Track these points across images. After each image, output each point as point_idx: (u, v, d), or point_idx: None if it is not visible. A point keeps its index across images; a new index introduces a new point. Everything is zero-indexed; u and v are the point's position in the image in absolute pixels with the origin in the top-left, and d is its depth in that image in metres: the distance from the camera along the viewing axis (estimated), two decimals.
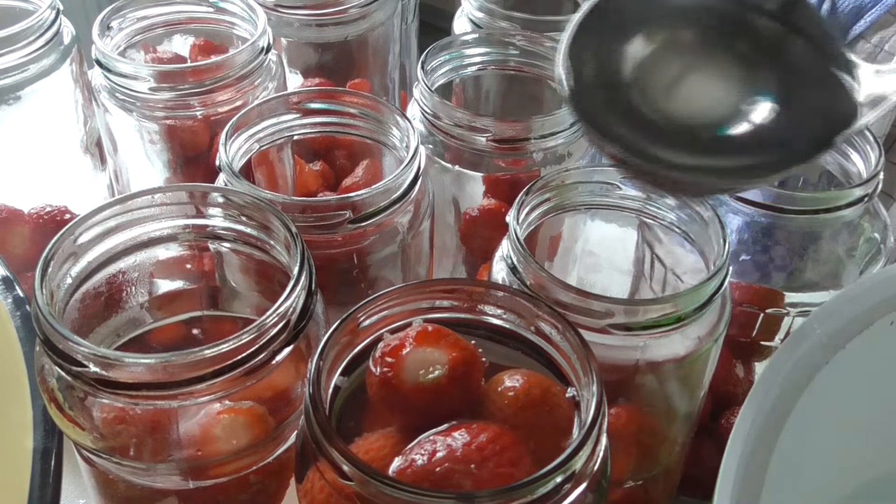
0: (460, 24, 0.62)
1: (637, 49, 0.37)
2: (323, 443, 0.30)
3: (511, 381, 0.34)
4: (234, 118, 0.47)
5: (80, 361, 0.33)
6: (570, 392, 0.34)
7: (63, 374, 0.35)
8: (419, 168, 0.46)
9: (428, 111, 0.51)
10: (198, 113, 0.53)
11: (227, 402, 0.36)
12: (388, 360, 0.33)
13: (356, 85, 0.64)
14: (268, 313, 0.35)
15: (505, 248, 0.41)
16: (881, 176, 0.46)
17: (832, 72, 0.35)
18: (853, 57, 0.36)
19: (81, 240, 0.39)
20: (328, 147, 0.60)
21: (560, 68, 0.36)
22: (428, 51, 0.53)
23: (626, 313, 0.38)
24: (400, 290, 0.36)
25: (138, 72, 0.52)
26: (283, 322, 0.36)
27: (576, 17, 0.37)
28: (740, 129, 0.36)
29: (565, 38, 0.36)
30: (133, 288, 0.43)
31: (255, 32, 0.54)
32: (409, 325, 0.35)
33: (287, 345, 0.36)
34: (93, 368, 0.33)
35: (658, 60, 0.37)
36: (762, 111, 0.36)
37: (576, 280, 0.53)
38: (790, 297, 0.47)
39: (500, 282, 0.41)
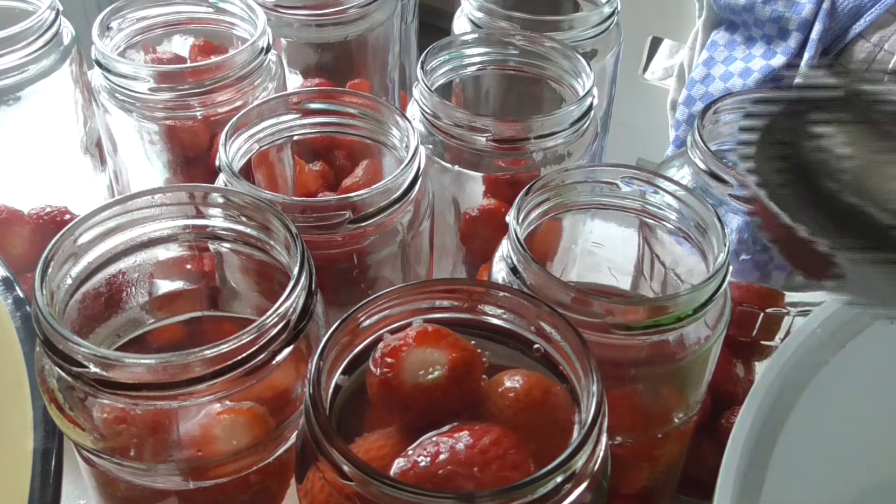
0: (460, 24, 0.62)
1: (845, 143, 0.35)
2: (323, 443, 0.30)
3: (511, 381, 0.34)
4: (234, 118, 0.47)
5: (81, 362, 0.33)
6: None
7: (63, 374, 0.35)
8: (419, 168, 0.46)
9: (428, 111, 0.51)
10: (198, 113, 0.53)
11: (227, 402, 0.36)
12: (388, 360, 0.33)
13: (356, 85, 0.64)
14: (268, 313, 0.35)
15: (505, 248, 0.41)
16: None
17: None
18: None
19: (81, 240, 0.39)
20: (328, 147, 0.60)
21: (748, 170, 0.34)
22: (428, 51, 0.53)
23: (626, 313, 0.38)
24: (400, 290, 0.36)
25: (138, 72, 0.52)
26: (283, 322, 0.36)
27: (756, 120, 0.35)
28: None
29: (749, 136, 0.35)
30: (133, 288, 0.43)
31: (255, 33, 0.54)
32: (409, 325, 0.35)
33: (287, 345, 0.36)
34: (93, 369, 0.33)
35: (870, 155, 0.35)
36: None
37: (576, 280, 0.53)
38: (790, 296, 0.47)
39: (500, 282, 0.41)
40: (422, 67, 0.52)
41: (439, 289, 0.37)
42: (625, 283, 0.52)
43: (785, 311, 0.47)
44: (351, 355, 0.35)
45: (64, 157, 0.61)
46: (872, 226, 0.34)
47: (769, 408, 0.36)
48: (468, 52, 0.56)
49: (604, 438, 0.32)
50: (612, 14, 0.61)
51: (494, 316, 0.37)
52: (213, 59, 0.54)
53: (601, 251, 0.51)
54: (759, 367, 0.52)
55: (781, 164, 0.35)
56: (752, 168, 0.34)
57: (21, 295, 0.44)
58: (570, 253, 0.53)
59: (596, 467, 0.32)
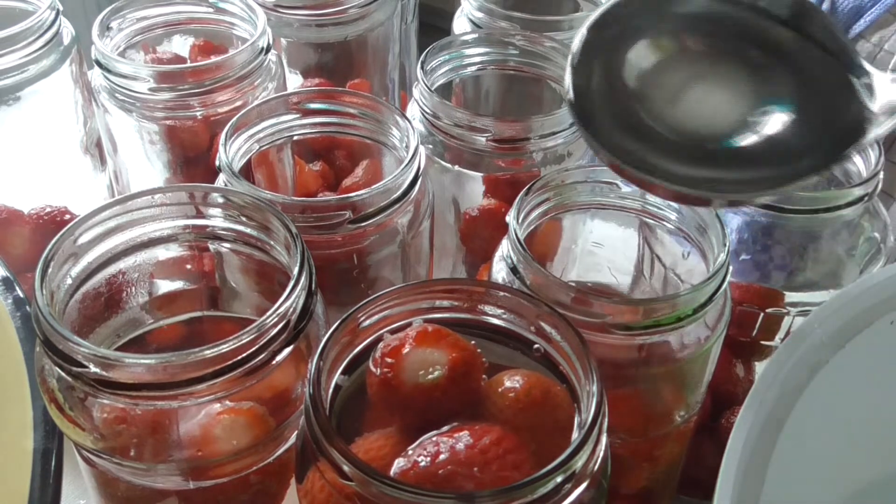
0: (460, 24, 0.62)
1: (643, 58, 0.36)
2: (323, 443, 0.30)
3: (511, 381, 0.34)
4: (234, 118, 0.47)
5: (81, 362, 0.33)
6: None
7: (63, 374, 0.35)
8: (419, 168, 0.46)
9: (428, 111, 0.51)
10: (198, 113, 0.53)
11: (227, 402, 0.36)
12: (388, 360, 0.33)
13: (356, 85, 0.64)
14: (268, 313, 0.35)
15: (505, 248, 0.41)
16: (881, 175, 0.46)
17: (847, 81, 0.35)
18: (868, 66, 0.35)
19: (81, 240, 0.39)
20: (328, 147, 0.60)
21: (567, 77, 0.35)
22: (428, 51, 0.53)
23: (626, 313, 0.38)
24: (400, 290, 0.36)
25: (138, 72, 0.52)
26: (283, 322, 0.36)
27: (582, 28, 0.36)
28: (749, 139, 0.35)
29: (574, 47, 0.36)
30: (133, 288, 0.43)
31: (255, 33, 0.54)
32: (409, 325, 0.35)
33: (287, 345, 0.36)
34: (93, 369, 0.33)
35: (665, 69, 0.36)
36: (773, 121, 0.35)
37: (576, 280, 0.53)
38: (790, 296, 0.47)
39: (500, 282, 0.41)
40: (422, 67, 0.52)
41: (439, 289, 0.37)
42: (625, 283, 0.52)
43: (785, 311, 0.47)
44: (351, 355, 0.35)
45: (64, 157, 0.61)
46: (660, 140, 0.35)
47: (769, 408, 0.36)
48: (468, 52, 0.56)
49: (604, 438, 0.32)
50: None
51: (494, 316, 0.37)
52: (213, 59, 0.54)
53: (601, 251, 0.51)
54: (759, 367, 0.52)
55: (596, 78, 0.36)
56: (571, 82, 0.35)
57: (21, 295, 0.44)
58: (570, 253, 0.53)
59: (596, 467, 0.32)
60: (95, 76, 0.55)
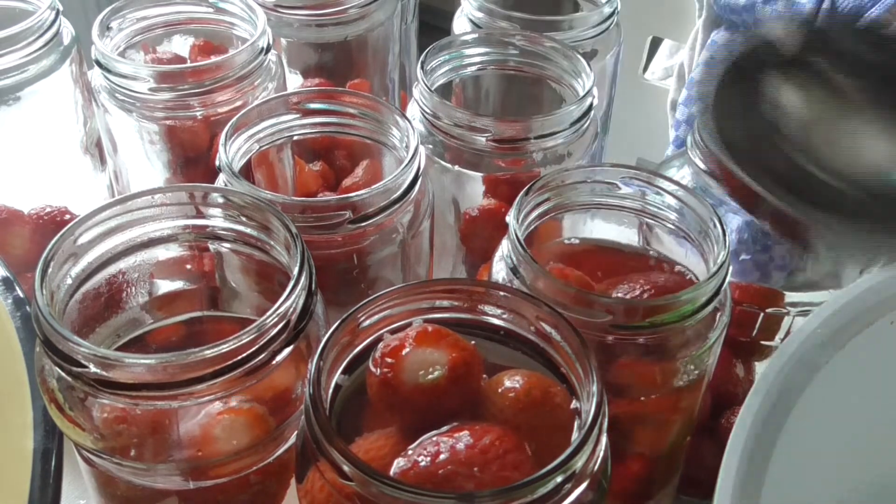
0: (460, 24, 0.62)
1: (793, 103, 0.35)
2: (323, 443, 0.30)
3: (511, 381, 0.34)
4: (234, 118, 0.47)
5: (81, 362, 0.33)
6: (574, 405, 0.34)
7: (63, 374, 0.35)
8: (419, 168, 0.46)
9: (428, 111, 0.51)
10: (198, 113, 0.53)
11: (227, 402, 0.36)
12: (388, 360, 0.33)
13: (356, 85, 0.64)
14: (268, 313, 0.35)
15: (505, 248, 0.41)
16: None
17: None
18: None
19: (81, 240, 0.39)
20: (328, 147, 0.60)
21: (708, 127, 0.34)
22: (428, 51, 0.53)
23: (626, 313, 0.38)
24: (400, 290, 0.36)
25: (138, 72, 0.52)
26: (283, 322, 0.36)
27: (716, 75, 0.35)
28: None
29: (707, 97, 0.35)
30: (133, 288, 0.43)
31: (255, 33, 0.54)
32: (409, 325, 0.35)
33: (287, 345, 0.36)
34: (93, 369, 0.33)
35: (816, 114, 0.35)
36: None
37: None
38: (790, 296, 0.47)
39: (500, 282, 0.41)
40: (422, 67, 0.52)
41: (439, 289, 0.37)
42: None
43: (785, 311, 0.47)
44: (351, 355, 0.35)
45: (64, 157, 0.61)
46: (818, 186, 0.34)
47: (769, 408, 0.36)
48: (468, 52, 0.56)
49: (604, 438, 0.32)
50: (612, 14, 0.61)
51: (494, 316, 0.37)
52: (213, 59, 0.54)
53: None
54: (759, 367, 0.52)
55: (739, 121, 0.34)
56: (711, 125, 0.34)
57: (21, 295, 0.44)
58: None
59: (596, 467, 0.32)
60: (95, 76, 0.55)
